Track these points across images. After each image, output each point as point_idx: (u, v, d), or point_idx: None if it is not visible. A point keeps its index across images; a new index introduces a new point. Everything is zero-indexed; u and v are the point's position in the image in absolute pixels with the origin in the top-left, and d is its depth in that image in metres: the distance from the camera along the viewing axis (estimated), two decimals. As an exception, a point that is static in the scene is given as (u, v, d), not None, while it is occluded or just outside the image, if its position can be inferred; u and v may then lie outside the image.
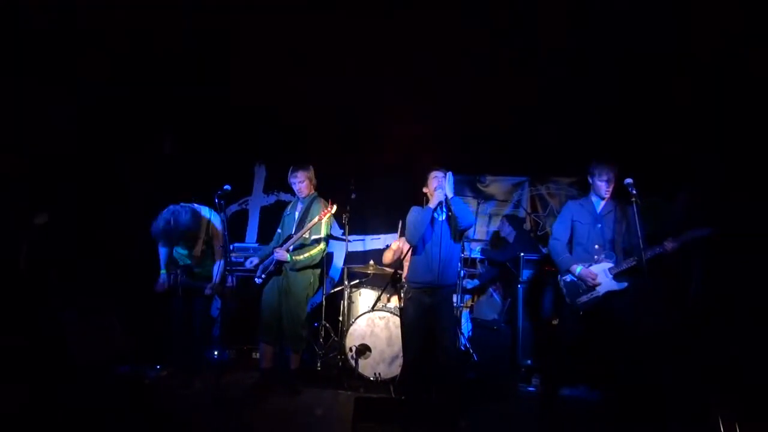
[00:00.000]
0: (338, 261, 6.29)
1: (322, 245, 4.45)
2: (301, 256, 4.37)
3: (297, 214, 4.53)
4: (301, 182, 4.52)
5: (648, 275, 3.50)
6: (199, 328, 4.58)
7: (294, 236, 4.37)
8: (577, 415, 4.16)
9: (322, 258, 4.56)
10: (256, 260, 4.62)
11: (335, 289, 5.76)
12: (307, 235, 4.40)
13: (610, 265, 3.81)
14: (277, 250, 4.38)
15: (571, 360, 3.96)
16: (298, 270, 4.38)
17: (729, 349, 4.01)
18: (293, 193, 4.65)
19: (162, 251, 4.62)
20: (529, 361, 5.01)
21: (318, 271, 4.61)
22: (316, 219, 4.32)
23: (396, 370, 4.71)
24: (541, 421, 3.92)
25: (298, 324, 4.39)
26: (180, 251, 4.52)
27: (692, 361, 4.14)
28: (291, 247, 4.37)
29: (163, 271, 4.58)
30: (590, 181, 4.00)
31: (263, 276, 4.47)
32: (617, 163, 3.93)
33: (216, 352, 5.30)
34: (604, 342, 3.91)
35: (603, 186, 3.90)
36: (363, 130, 6.19)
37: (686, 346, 4.26)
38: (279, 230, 4.66)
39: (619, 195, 3.88)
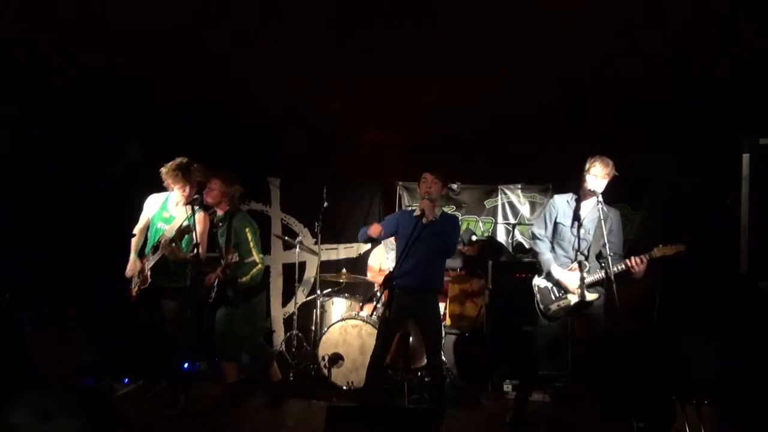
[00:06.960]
0: (311, 270, 6.25)
1: (259, 265, 4.21)
2: (244, 279, 4.14)
3: (221, 232, 4.24)
4: (212, 191, 4.13)
5: (614, 290, 3.52)
6: (170, 336, 4.23)
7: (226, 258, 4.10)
8: (547, 418, 4.22)
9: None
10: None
11: (308, 298, 5.71)
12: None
13: (584, 274, 3.78)
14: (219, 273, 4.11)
15: (541, 364, 4.00)
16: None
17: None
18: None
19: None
20: (500, 366, 5.06)
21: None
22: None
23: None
24: (515, 425, 3.96)
25: (252, 336, 4.30)
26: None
27: (657, 365, 4.23)
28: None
29: (133, 255, 4.22)
30: (584, 177, 3.86)
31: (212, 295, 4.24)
32: (613, 161, 3.75)
33: (186, 364, 5.16)
34: (573, 347, 3.96)
35: (590, 180, 3.76)
36: (334, 137, 6.18)
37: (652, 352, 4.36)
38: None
39: (606, 201, 3.76)
